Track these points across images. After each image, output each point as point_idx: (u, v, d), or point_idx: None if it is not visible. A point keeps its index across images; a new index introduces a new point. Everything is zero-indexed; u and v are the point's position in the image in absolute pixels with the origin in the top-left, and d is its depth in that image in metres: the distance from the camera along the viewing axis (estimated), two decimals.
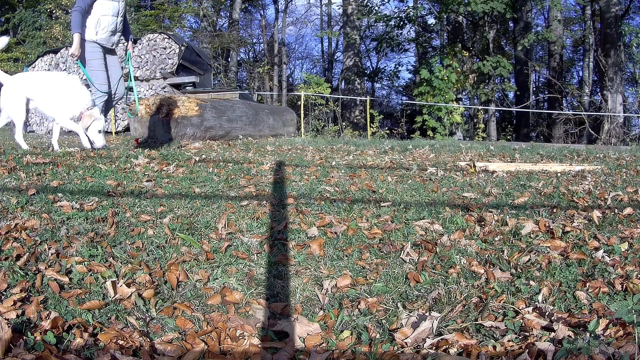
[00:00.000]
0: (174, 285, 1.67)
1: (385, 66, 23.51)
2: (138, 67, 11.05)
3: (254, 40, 27.47)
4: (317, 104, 15.23)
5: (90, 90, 4.73)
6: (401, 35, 17.81)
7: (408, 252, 1.97)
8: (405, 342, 1.36)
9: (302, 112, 12.46)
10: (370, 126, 13.23)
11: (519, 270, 1.80)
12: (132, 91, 5.50)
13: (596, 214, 2.36)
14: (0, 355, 1.19)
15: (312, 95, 14.87)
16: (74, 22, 4.68)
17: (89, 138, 4.67)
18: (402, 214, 2.47)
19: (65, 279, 1.62)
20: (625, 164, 4.69)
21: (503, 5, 12.88)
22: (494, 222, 2.30)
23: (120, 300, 1.54)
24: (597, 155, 5.78)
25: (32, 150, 4.44)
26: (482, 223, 2.32)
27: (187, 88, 10.61)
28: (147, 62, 10.94)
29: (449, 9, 14.04)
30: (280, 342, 1.39)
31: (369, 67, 22.80)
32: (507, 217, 2.33)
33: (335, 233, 2.18)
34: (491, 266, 1.85)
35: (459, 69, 13.94)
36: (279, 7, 25.93)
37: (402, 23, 16.35)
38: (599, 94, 14.84)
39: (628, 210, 2.45)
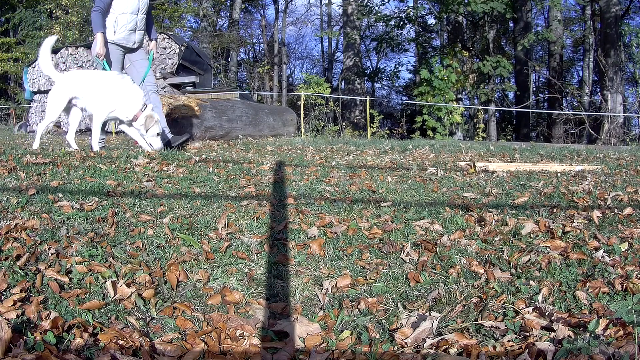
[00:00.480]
0: (174, 285, 1.67)
1: (385, 66, 23.52)
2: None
3: (254, 40, 27.48)
4: (317, 104, 15.23)
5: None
6: (401, 35, 17.81)
7: (408, 252, 1.97)
8: (405, 342, 1.36)
9: (302, 112, 12.46)
10: (370, 126, 13.23)
11: (519, 270, 1.80)
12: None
13: (596, 214, 2.36)
14: (0, 355, 1.19)
15: (312, 95, 14.87)
16: (94, 22, 4.63)
17: (145, 140, 4.54)
18: (402, 214, 2.47)
19: (65, 279, 1.62)
20: (625, 164, 4.69)
21: (503, 5, 12.88)
22: (494, 222, 2.30)
23: (120, 300, 1.54)
24: (597, 155, 5.78)
25: (78, 151, 4.33)
26: (482, 223, 2.32)
27: (187, 88, 10.61)
28: None
29: (449, 9, 14.04)
30: (280, 342, 1.39)
31: (369, 67, 22.81)
32: (507, 217, 2.33)
33: (335, 233, 2.18)
34: (491, 266, 1.85)
35: (459, 69, 13.94)
36: (279, 7, 25.93)
37: (402, 23, 16.35)
38: (599, 94, 14.84)
39: (628, 210, 2.45)
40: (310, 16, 29.47)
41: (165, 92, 10.40)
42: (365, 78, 19.32)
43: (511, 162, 5.06)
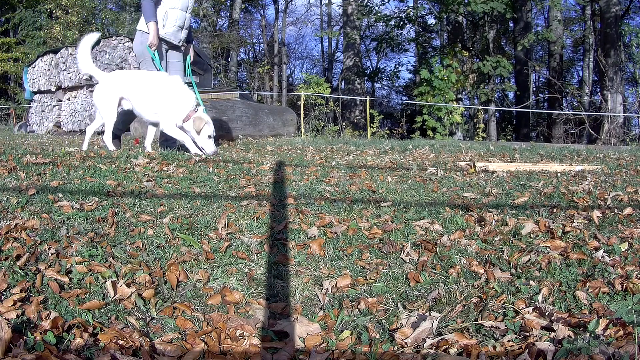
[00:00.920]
0: (174, 285, 1.67)
1: (385, 66, 23.54)
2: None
3: (254, 40, 27.49)
4: (317, 104, 15.23)
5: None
6: (401, 35, 17.82)
7: (408, 252, 1.97)
8: (405, 342, 1.36)
9: (302, 112, 12.46)
10: (370, 126, 13.23)
11: (519, 270, 1.80)
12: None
13: (596, 214, 2.36)
14: (0, 355, 1.19)
15: (312, 95, 14.87)
16: (147, 11, 4.48)
17: (196, 144, 4.38)
18: (402, 214, 2.47)
19: (65, 279, 1.62)
20: (625, 164, 4.69)
21: (503, 5, 12.88)
22: (494, 222, 2.30)
23: (120, 300, 1.54)
24: (597, 155, 5.78)
25: (115, 151, 4.24)
26: (482, 223, 2.32)
27: None
28: None
29: (449, 9, 14.05)
30: (280, 342, 1.39)
31: (369, 67, 22.81)
32: (507, 217, 2.33)
33: (335, 233, 2.18)
34: (491, 266, 1.85)
35: (459, 69, 13.94)
36: (279, 7, 25.93)
37: (402, 23, 16.35)
38: (599, 94, 14.84)
39: (628, 210, 2.45)
40: (310, 16, 29.49)
41: None
42: (365, 78, 19.32)
43: (511, 162, 5.06)
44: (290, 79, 28.78)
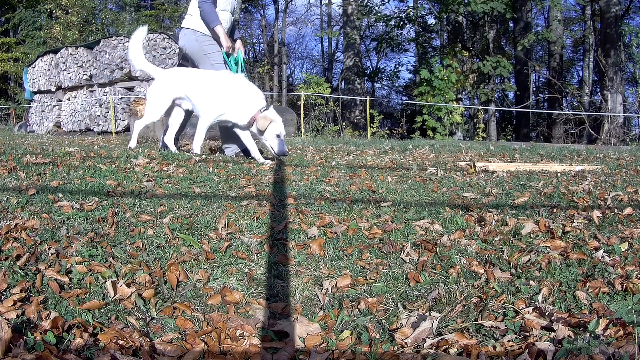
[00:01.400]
0: (174, 285, 1.67)
1: (385, 66, 23.55)
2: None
3: (254, 40, 27.50)
4: (317, 104, 15.24)
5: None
6: (401, 35, 17.83)
7: (408, 252, 1.97)
8: (405, 342, 1.36)
9: (302, 112, 12.47)
10: (370, 126, 13.24)
11: (519, 270, 1.80)
12: None
13: (596, 214, 2.36)
14: (0, 355, 1.19)
15: (312, 95, 14.87)
16: (210, 14, 4.30)
17: (266, 144, 4.17)
18: (402, 214, 2.47)
19: (65, 279, 1.62)
20: (625, 164, 4.69)
21: (503, 5, 12.89)
22: (494, 222, 2.30)
23: (120, 300, 1.54)
24: (597, 155, 5.78)
25: (177, 154, 4.09)
26: (482, 223, 2.32)
27: None
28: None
29: (449, 9, 14.05)
30: (280, 342, 1.39)
31: (369, 67, 22.82)
32: (507, 217, 2.33)
33: (335, 233, 2.18)
34: (491, 266, 1.85)
35: (459, 69, 13.95)
36: (279, 7, 25.93)
37: (402, 23, 16.36)
38: (599, 94, 14.85)
39: (628, 210, 2.45)
40: (310, 16, 29.51)
41: None
42: (365, 78, 19.33)
43: (511, 162, 5.06)
44: (290, 79, 28.81)
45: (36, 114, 13.25)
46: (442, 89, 12.99)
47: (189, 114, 4.48)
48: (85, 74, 11.93)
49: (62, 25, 18.91)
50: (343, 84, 19.92)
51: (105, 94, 11.52)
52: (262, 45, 27.22)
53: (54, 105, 12.92)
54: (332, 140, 8.79)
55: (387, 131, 14.66)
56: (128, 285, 1.61)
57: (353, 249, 2.03)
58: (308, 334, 1.41)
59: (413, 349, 1.34)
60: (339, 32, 21.86)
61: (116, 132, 10.74)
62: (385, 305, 1.60)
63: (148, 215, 2.30)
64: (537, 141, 13.13)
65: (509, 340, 1.34)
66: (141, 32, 4.37)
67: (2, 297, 1.48)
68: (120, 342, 1.30)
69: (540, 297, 1.57)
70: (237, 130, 4.31)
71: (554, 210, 2.51)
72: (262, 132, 4.05)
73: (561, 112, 14.52)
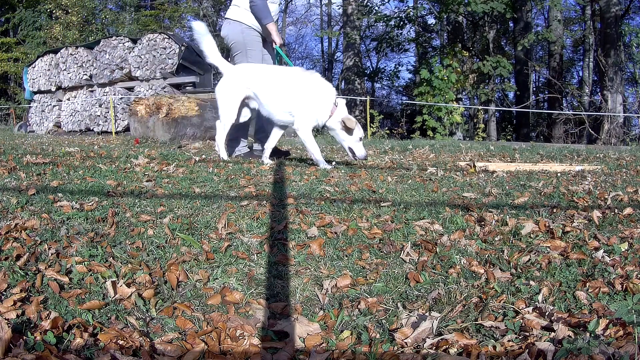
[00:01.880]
0: (174, 285, 1.67)
1: (385, 66, 23.54)
2: (138, 67, 11.06)
3: None
4: None
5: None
6: (401, 35, 17.83)
7: (408, 252, 1.97)
8: (405, 342, 1.36)
9: None
10: (370, 126, 13.23)
11: (519, 270, 1.80)
12: None
13: (596, 214, 2.35)
14: (0, 355, 1.19)
15: None
16: (264, 11, 4.21)
17: (343, 145, 4.02)
18: (402, 214, 2.47)
19: (65, 279, 1.62)
20: (625, 164, 4.69)
21: (503, 5, 12.89)
22: (494, 222, 2.30)
23: (120, 300, 1.54)
24: (597, 155, 5.78)
25: (227, 161, 3.98)
26: (482, 223, 2.32)
27: (187, 88, 10.62)
28: (147, 62, 10.94)
29: (449, 9, 14.05)
30: (280, 342, 1.39)
31: (369, 67, 22.81)
32: (507, 217, 2.33)
33: (335, 233, 2.18)
34: (491, 266, 1.85)
35: (459, 69, 13.95)
36: (279, 7, 25.90)
37: (402, 23, 16.36)
38: (599, 94, 14.85)
39: (628, 210, 2.45)
40: (310, 16, 29.51)
41: (165, 92, 10.40)
42: (365, 78, 19.33)
43: (511, 162, 5.06)
44: None
45: (36, 114, 13.25)
46: (442, 89, 12.99)
47: (253, 112, 4.31)
48: (85, 74, 11.93)
49: (62, 25, 18.92)
50: (343, 84, 19.91)
51: (105, 94, 11.52)
52: None
53: (54, 105, 12.92)
54: (332, 140, 8.79)
55: (387, 131, 14.65)
56: (128, 285, 1.61)
57: (353, 249, 2.03)
58: (308, 334, 1.41)
59: (413, 349, 1.34)
60: (339, 32, 21.85)
61: (116, 132, 10.74)
62: (385, 305, 1.60)
63: (148, 215, 2.30)
64: (537, 141, 13.13)
65: (509, 340, 1.34)
66: (201, 26, 4.20)
67: (2, 297, 1.48)
68: (120, 342, 1.30)
69: (540, 297, 1.57)
70: (275, 128, 4.17)
71: (554, 210, 2.51)
72: (350, 133, 3.91)
73: (561, 112, 14.52)
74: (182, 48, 10.70)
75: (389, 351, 1.32)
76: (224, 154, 4.18)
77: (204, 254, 1.91)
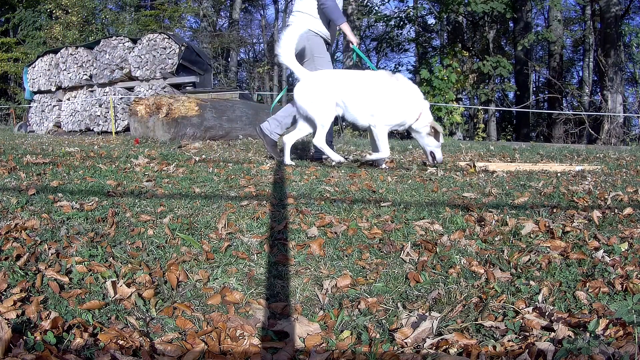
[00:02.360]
0: (174, 285, 1.67)
1: (385, 66, 23.53)
2: (138, 67, 11.06)
3: (254, 40, 27.49)
4: None
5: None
6: (401, 35, 17.82)
7: (408, 252, 1.97)
8: (405, 342, 1.36)
9: None
10: None
11: (519, 270, 1.80)
12: None
13: (596, 214, 2.35)
14: (0, 355, 1.19)
15: None
16: (336, 12, 4.21)
17: (432, 154, 4.06)
18: (402, 214, 2.47)
19: (65, 279, 1.62)
20: (625, 164, 4.69)
21: (503, 5, 12.89)
22: (494, 222, 2.30)
23: (120, 300, 1.54)
24: (597, 155, 5.78)
25: (292, 166, 3.95)
26: (482, 223, 2.32)
27: (187, 88, 10.62)
28: (147, 62, 10.94)
29: (449, 9, 14.05)
30: (280, 342, 1.39)
31: (369, 67, 22.77)
32: (507, 217, 2.33)
33: (335, 233, 2.18)
34: (491, 266, 1.85)
35: (459, 69, 13.94)
36: (279, 7, 25.93)
37: (402, 23, 16.36)
38: (599, 94, 14.85)
39: (628, 210, 2.45)
40: None
41: (165, 92, 10.40)
42: None
43: (511, 162, 5.06)
44: (290, 79, 28.77)
45: (36, 114, 13.24)
46: (442, 89, 12.98)
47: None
48: (85, 74, 11.93)
49: (62, 25, 18.90)
50: None
51: (105, 94, 11.52)
52: (262, 45, 27.22)
53: (54, 105, 12.91)
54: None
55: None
56: (128, 285, 1.61)
57: (353, 249, 2.03)
58: (308, 334, 1.41)
59: (413, 349, 1.34)
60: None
61: (116, 132, 10.74)
62: (385, 305, 1.60)
63: (148, 215, 2.30)
64: (537, 141, 13.12)
65: (509, 340, 1.34)
66: (295, 29, 4.12)
67: (2, 297, 1.48)
68: (120, 342, 1.30)
69: (540, 297, 1.57)
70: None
71: (554, 210, 2.51)
72: (436, 139, 4.03)
73: (561, 112, 14.51)
74: (182, 48, 10.69)
75: (389, 351, 1.32)
76: (336, 157, 4.09)
77: (204, 254, 1.91)
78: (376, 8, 16.73)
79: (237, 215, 2.39)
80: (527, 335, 1.36)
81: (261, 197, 2.74)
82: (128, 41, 11.52)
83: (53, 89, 12.92)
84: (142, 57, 11.01)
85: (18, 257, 1.74)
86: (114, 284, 1.59)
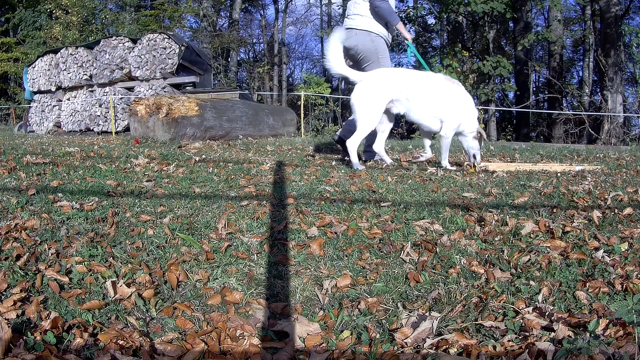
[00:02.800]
0: (174, 285, 1.67)
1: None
2: (138, 67, 11.06)
3: (254, 40, 27.49)
4: (317, 104, 15.24)
5: None
6: (401, 35, 17.77)
7: (408, 252, 1.97)
8: (405, 342, 1.36)
9: (302, 112, 12.46)
10: None
11: (519, 270, 1.80)
12: None
13: (596, 214, 2.35)
14: (0, 355, 1.19)
15: (312, 95, 14.87)
16: (391, 13, 4.32)
17: (475, 156, 4.13)
18: (402, 214, 2.47)
19: (65, 279, 1.62)
20: (625, 164, 4.69)
21: (503, 5, 12.89)
22: (494, 222, 2.30)
23: (120, 300, 1.54)
24: (597, 155, 5.78)
25: (392, 164, 4.00)
26: (482, 223, 2.32)
27: (187, 88, 10.62)
28: (147, 62, 10.94)
29: (449, 9, 14.05)
30: (280, 342, 1.39)
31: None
32: (507, 217, 2.33)
33: (335, 233, 2.18)
34: (491, 266, 1.85)
35: (459, 69, 13.94)
36: (279, 7, 25.93)
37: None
38: (599, 94, 14.85)
39: (628, 210, 2.45)
40: (310, 16, 29.51)
41: (165, 92, 10.40)
42: None
43: (511, 162, 5.06)
44: (290, 79, 28.80)
45: (36, 114, 13.24)
46: None
47: (395, 117, 4.32)
48: (85, 74, 11.93)
49: (62, 25, 18.90)
50: (343, 84, 19.91)
51: (105, 94, 11.52)
52: (262, 45, 27.22)
53: (54, 105, 12.91)
54: (332, 140, 8.78)
55: None
56: (128, 285, 1.61)
57: (353, 249, 2.03)
58: (308, 334, 1.41)
59: (413, 349, 1.34)
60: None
61: (116, 132, 10.74)
62: (385, 305, 1.60)
63: (148, 215, 2.31)
64: (537, 141, 13.12)
65: (509, 340, 1.34)
66: (341, 33, 4.08)
67: (2, 297, 1.48)
68: (120, 342, 1.30)
69: (540, 297, 1.57)
70: (426, 132, 4.27)
71: (554, 210, 2.51)
72: (480, 143, 4.14)
73: (561, 112, 14.51)
74: (182, 48, 10.69)
75: (389, 351, 1.32)
76: (356, 161, 4.06)
77: (204, 254, 1.91)
78: None
79: (237, 215, 2.39)
80: (527, 335, 1.36)
81: (261, 197, 2.74)
82: (128, 41, 11.53)
83: (53, 89, 12.92)
84: (142, 57, 11.01)
85: (18, 257, 1.74)
86: (114, 284, 1.59)
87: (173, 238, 2.04)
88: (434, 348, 1.33)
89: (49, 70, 12.97)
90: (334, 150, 6.06)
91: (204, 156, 4.39)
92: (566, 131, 13.61)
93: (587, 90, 18.40)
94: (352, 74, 4.08)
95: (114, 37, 12.00)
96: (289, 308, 1.59)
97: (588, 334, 1.30)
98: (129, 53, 11.23)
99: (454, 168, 4.14)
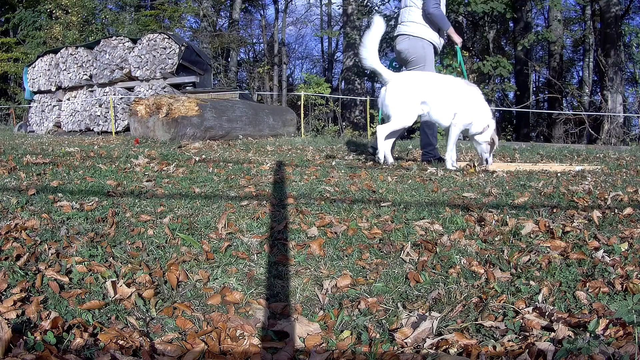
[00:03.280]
0: (174, 285, 1.67)
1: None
2: (138, 67, 11.06)
3: (254, 40, 27.49)
4: (317, 104, 15.24)
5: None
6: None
7: (408, 252, 1.97)
8: (405, 342, 1.36)
9: (302, 112, 12.46)
10: (371, 126, 13.23)
11: (519, 270, 1.80)
12: None
13: (596, 214, 2.35)
14: (0, 355, 1.19)
15: (312, 95, 14.87)
16: (444, 19, 4.51)
17: (487, 159, 4.27)
18: (402, 214, 2.47)
19: (65, 279, 1.62)
20: (625, 164, 4.69)
21: (503, 5, 12.89)
22: (494, 222, 2.30)
23: (120, 300, 1.54)
24: (597, 155, 5.78)
25: (394, 165, 4.10)
26: (482, 223, 2.32)
27: (187, 88, 10.62)
28: (147, 62, 10.94)
29: (448, 9, 14.03)
30: (280, 342, 1.39)
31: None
32: (507, 217, 2.33)
33: (335, 233, 2.18)
34: (491, 266, 1.85)
35: (459, 69, 13.93)
36: (279, 7, 25.94)
37: None
38: (599, 94, 14.85)
39: (628, 210, 2.45)
40: (310, 16, 29.52)
41: (165, 92, 10.40)
42: (365, 78, 19.32)
43: (511, 162, 5.06)
44: (290, 79, 28.79)
45: (36, 114, 13.24)
46: None
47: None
48: (85, 74, 11.93)
49: (62, 25, 18.91)
50: (343, 84, 19.91)
51: (105, 94, 11.52)
52: (262, 45, 27.21)
53: (54, 105, 12.91)
54: (332, 140, 8.79)
55: None
56: (128, 285, 1.61)
57: (353, 249, 2.03)
58: (308, 334, 1.41)
59: (413, 349, 1.34)
60: (339, 32, 21.85)
61: (116, 132, 10.74)
62: (385, 305, 1.60)
63: (148, 215, 2.31)
64: (537, 141, 13.13)
65: (509, 340, 1.34)
66: (379, 27, 4.24)
67: (2, 297, 1.48)
68: (120, 342, 1.30)
69: (540, 297, 1.57)
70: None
71: (554, 210, 2.51)
72: (492, 148, 4.29)
73: (561, 112, 14.51)
74: (182, 48, 10.69)
75: (389, 351, 1.32)
76: (390, 157, 4.31)
77: (204, 254, 1.91)
78: (376, 8, 16.73)
79: (237, 215, 2.39)
80: (527, 335, 1.36)
81: (261, 197, 2.74)
82: (128, 41, 11.53)
83: (53, 89, 12.92)
84: (142, 57, 11.01)
85: (18, 257, 1.74)
86: (114, 284, 1.59)
87: (173, 238, 2.04)
88: (434, 348, 1.33)
89: (49, 70, 12.97)
90: (335, 150, 6.06)
91: (204, 156, 4.39)
92: (566, 131, 13.61)
93: (587, 90, 18.40)
94: (384, 72, 4.27)
95: (114, 37, 12.00)
96: (289, 308, 1.59)
97: (588, 334, 1.30)
98: (129, 53, 11.23)
99: (454, 168, 4.17)
